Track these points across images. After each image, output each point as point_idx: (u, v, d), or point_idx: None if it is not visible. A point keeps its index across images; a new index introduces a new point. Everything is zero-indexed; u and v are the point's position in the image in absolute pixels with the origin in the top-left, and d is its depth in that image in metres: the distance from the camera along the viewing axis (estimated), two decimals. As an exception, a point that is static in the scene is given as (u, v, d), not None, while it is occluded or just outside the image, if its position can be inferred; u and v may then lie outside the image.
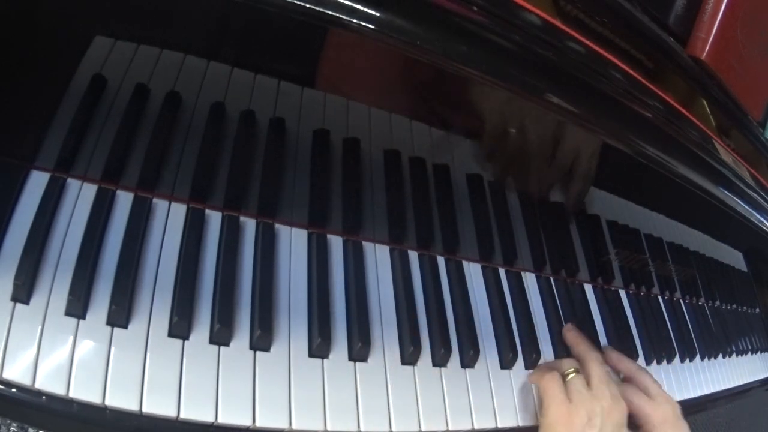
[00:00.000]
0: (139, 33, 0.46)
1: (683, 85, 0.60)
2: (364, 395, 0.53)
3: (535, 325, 0.70)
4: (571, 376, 0.59)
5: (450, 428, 0.56)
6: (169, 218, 0.52)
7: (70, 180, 0.50)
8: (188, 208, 0.54)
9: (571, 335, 0.68)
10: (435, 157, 0.62)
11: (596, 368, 0.60)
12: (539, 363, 0.67)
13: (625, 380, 0.68)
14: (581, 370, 0.61)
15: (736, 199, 0.66)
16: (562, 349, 0.70)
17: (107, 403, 0.42)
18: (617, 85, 0.51)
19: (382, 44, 0.41)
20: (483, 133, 0.61)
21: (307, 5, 0.38)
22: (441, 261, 0.66)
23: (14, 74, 0.44)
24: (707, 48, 0.56)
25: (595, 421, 0.54)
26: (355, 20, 0.39)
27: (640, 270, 0.86)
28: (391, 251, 0.63)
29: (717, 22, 0.56)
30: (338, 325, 0.55)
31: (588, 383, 0.59)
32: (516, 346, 0.66)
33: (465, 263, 0.68)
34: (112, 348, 0.44)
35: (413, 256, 0.64)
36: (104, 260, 0.48)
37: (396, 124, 0.59)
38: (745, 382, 1.03)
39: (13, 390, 0.41)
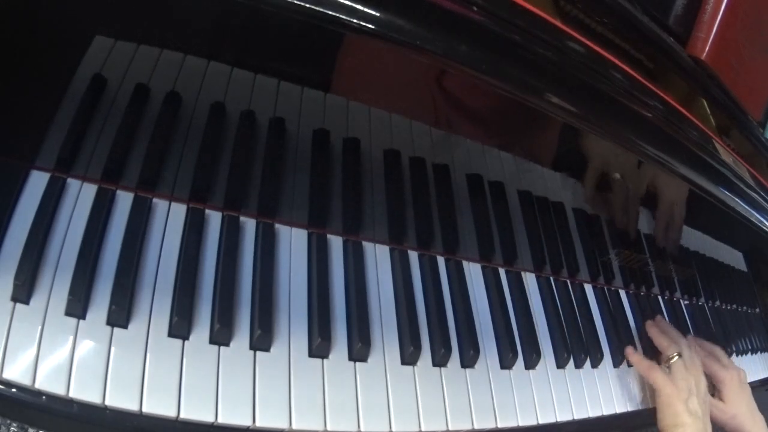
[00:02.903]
0: (139, 33, 0.46)
1: (683, 85, 0.60)
2: (364, 395, 0.53)
3: (535, 325, 0.70)
4: (675, 359, 0.75)
5: (450, 428, 0.56)
6: (169, 218, 0.52)
7: (70, 180, 0.50)
8: (188, 208, 0.54)
9: (664, 324, 0.83)
10: (435, 157, 0.62)
11: (686, 351, 0.77)
12: (539, 362, 0.67)
13: (705, 357, 0.87)
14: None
15: (736, 199, 0.66)
16: (561, 349, 0.70)
17: (107, 403, 0.42)
18: (617, 85, 0.51)
19: (383, 45, 0.41)
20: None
21: (307, 5, 0.38)
22: (441, 261, 0.66)
23: (14, 74, 0.44)
24: (707, 48, 0.56)
25: (693, 391, 0.72)
26: (355, 20, 0.39)
27: (640, 270, 0.86)
28: (391, 251, 0.63)
29: (717, 22, 0.56)
30: (338, 325, 0.55)
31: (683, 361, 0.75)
32: (516, 346, 0.66)
33: (465, 263, 0.68)
34: (112, 348, 0.44)
35: (413, 256, 0.64)
36: (104, 260, 0.48)
37: (396, 124, 0.59)
38: (745, 382, 1.03)
39: (13, 390, 0.41)
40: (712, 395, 0.83)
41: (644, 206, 0.76)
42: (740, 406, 0.82)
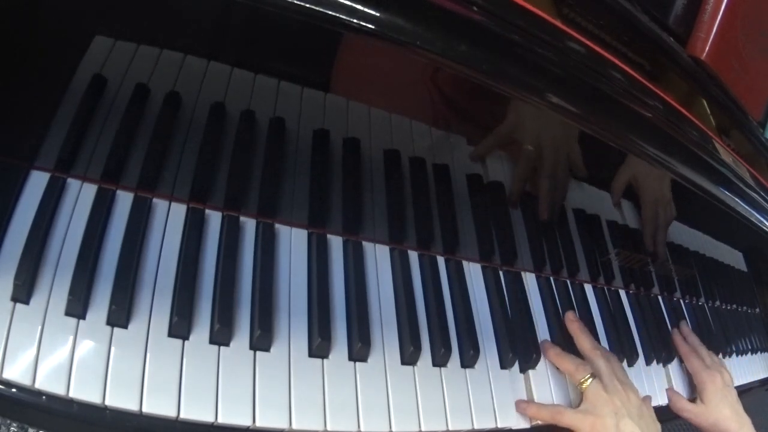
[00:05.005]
0: (139, 33, 0.46)
1: (683, 85, 0.60)
2: (364, 395, 0.53)
3: (535, 325, 0.70)
4: (588, 382, 0.63)
5: (450, 428, 0.56)
6: (169, 218, 0.52)
7: (70, 180, 0.50)
8: (188, 208, 0.54)
9: (574, 327, 0.70)
10: (435, 157, 0.62)
11: (602, 365, 0.64)
12: (539, 362, 0.67)
13: (688, 352, 0.84)
14: (589, 364, 0.65)
15: (736, 199, 0.66)
16: (562, 349, 0.69)
17: (107, 403, 0.42)
18: (617, 85, 0.51)
19: (383, 45, 0.41)
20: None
21: (307, 5, 0.38)
22: (441, 261, 0.66)
23: (15, 74, 0.44)
24: (707, 48, 0.56)
25: (622, 413, 0.60)
26: (355, 20, 0.39)
27: (640, 270, 0.86)
28: (391, 251, 0.63)
29: (717, 22, 0.56)
30: (338, 325, 0.55)
31: (600, 380, 0.63)
32: (516, 346, 0.66)
33: (465, 263, 0.68)
34: (112, 348, 0.44)
35: (413, 256, 0.64)
36: (104, 260, 0.48)
37: (396, 124, 0.59)
38: (745, 382, 1.03)
39: (13, 390, 0.41)
40: (693, 400, 0.80)
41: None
42: (722, 409, 0.76)
